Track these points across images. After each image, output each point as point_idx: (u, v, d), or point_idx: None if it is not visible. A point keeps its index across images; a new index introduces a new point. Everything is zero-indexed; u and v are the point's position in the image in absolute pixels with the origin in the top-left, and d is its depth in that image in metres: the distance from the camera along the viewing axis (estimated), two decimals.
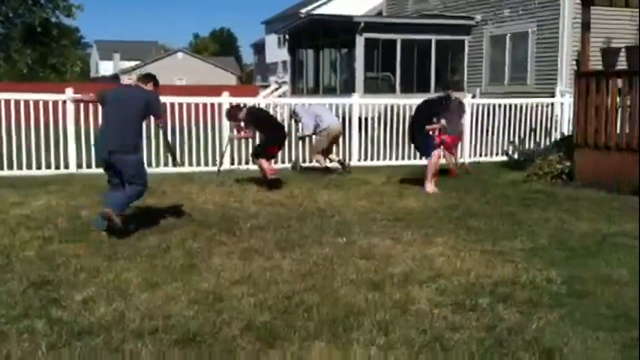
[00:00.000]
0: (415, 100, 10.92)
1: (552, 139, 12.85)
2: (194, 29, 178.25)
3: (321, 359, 3.60)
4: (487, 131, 13.18)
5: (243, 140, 11.15)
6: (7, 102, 10.89)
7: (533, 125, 13.28)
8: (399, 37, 18.75)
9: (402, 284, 4.80)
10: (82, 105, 10.92)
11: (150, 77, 6.78)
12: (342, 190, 9.30)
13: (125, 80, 42.21)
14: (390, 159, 12.65)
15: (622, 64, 10.32)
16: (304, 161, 12.01)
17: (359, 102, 13.22)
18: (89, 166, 10.84)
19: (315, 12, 34.03)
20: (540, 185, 9.69)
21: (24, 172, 10.67)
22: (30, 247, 5.86)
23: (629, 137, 9.25)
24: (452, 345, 3.72)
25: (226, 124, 11.20)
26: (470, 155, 13.01)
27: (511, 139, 13.02)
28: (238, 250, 5.78)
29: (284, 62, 34.22)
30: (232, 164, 11.68)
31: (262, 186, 9.30)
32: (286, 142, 10.67)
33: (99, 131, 6.69)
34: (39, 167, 10.83)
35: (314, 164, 11.59)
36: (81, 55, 56.20)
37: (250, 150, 10.63)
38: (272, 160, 10.03)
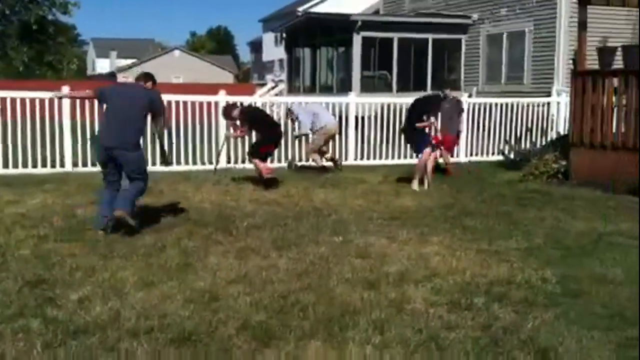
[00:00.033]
0: (411, 100, 10.92)
1: (548, 138, 12.88)
2: (191, 27, 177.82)
3: (317, 358, 3.60)
4: (484, 130, 13.20)
5: (240, 139, 11.14)
6: (3, 100, 10.88)
7: (529, 125, 13.31)
8: (395, 36, 18.73)
9: (398, 283, 4.81)
10: (77, 101, 10.93)
11: (149, 76, 6.84)
12: (339, 189, 9.30)
13: (121, 78, 42.15)
14: (387, 158, 12.66)
15: (618, 63, 10.35)
16: (300, 160, 12.02)
17: (356, 101, 13.23)
18: (84, 165, 10.85)
19: (312, 10, 34.04)
20: (536, 184, 9.71)
21: (20, 170, 10.65)
22: (25, 245, 5.85)
23: (624, 137, 9.27)
24: (447, 345, 3.72)
25: (222, 122, 11.19)
26: (466, 155, 13.04)
27: (507, 138, 13.04)
28: (234, 250, 5.78)
29: (281, 61, 34.20)
30: (229, 162, 11.67)
31: (259, 185, 9.30)
32: (282, 141, 10.66)
33: (100, 128, 6.67)
34: (34, 166, 10.82)
35: (310, 162, 11.60)
36: (78, 52, 55.95)
37: (247, 149, 10.62)
38: (269, 160, 10.02)
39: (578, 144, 9.90)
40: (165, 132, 9.79)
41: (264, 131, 9.64)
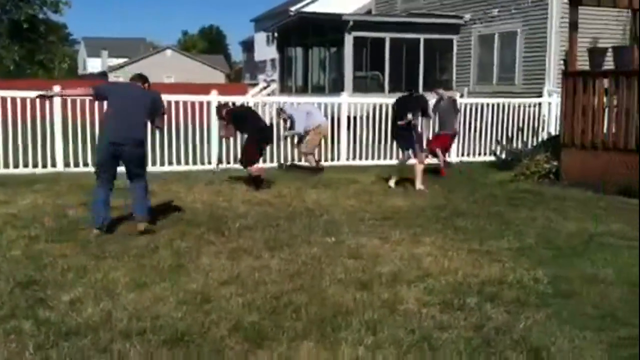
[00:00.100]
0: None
1: (540, 139, 12.90)
2: (183, 26, 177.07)
3: (309, 359, 3.60)
4: (475, 130, 13.23)
5: (232, 139, 11.08)
6: None
7: (521, 125, 13.35)
8: (387, 36, 18.75)
9: (390, 284, 4.82)
10: (69, 101, 10.89)
11: (144, 78, 6.86)
12: (331, 189, 9.31)
13: (112, 78, 41.96)
14: (379, 158, 12.67)
15: (609, 64, 10.39)
16: (292, 160, 12.01)
17: (348, 101, 13.24)
18: (76, 165, 10.80)
19: (304, 10, 34.00)
20: (528, 184, 9.74)
21: (10, 170, 10.59)
22: (16, 246, 5.82)
23: (615, 137, 9.32)
24: (440, 345, 3.73)
25: (215, 122, 11.17)
26: (457, 155, 13.06)
27: (499, 139, 13.08)
28: (226, 250, 5.77)
29: (273, 60, 34.17)
30: (228, 162, 11.61)
31: (251, 185, 9.28)
32: (274, 141, 10.64)
33: (104, 126, 6.63)
34: (25, 166, 10.76)
35: (303, 162, 11.59)
36: (69, 52, 55.77)
37: (239, 149, 10.57)
38: (260, 159, 9.98)
39: (569, 145, 9.94)
40: (158, 131, 9.78)
41: (249, 131, 9.58)
